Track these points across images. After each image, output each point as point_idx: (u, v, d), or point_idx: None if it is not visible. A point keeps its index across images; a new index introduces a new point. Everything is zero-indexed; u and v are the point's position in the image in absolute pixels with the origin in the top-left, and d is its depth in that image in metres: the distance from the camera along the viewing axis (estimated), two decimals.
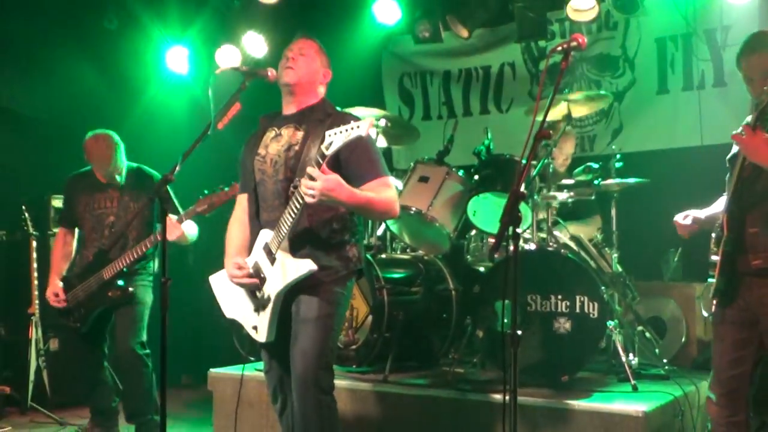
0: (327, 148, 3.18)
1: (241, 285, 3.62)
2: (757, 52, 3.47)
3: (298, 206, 3.35)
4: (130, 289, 4.93)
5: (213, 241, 4.76)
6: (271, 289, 3.52)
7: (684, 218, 3.74)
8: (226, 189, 4.42)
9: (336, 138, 3.17)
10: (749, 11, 5.76)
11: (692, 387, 4.59)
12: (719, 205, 3.73)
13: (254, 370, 4.96)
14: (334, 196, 3.24)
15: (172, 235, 4.64)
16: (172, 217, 4.63)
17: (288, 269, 3.45)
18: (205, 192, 4.53)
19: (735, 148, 3.59)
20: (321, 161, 3.23)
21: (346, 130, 3.14)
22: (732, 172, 3.50)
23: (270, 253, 3.52)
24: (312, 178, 3.22)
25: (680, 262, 6.07)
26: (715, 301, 3.52)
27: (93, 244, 5.05)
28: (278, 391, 3.75)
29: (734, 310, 3.48)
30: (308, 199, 3.25)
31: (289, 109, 3.71)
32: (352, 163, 3.50)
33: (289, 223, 3.41)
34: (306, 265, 3.43)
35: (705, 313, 3.62)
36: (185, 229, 4.77)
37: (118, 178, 5.11)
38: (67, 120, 6.71)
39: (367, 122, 3.13)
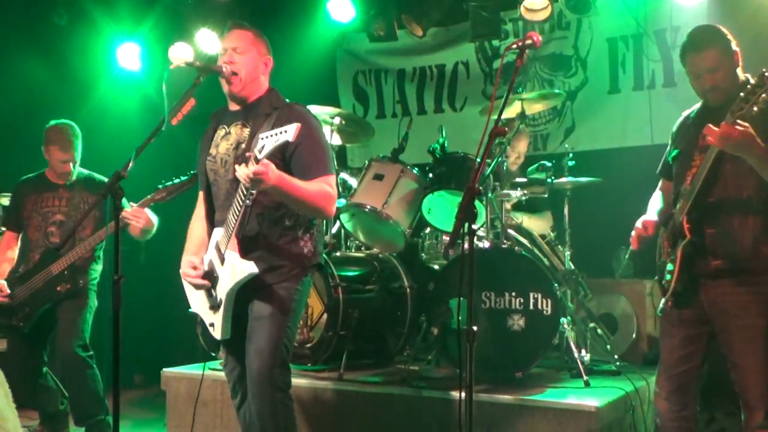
0: (260, 152, 3.16)
1: (193, 285, 3.59)
2: (704, 49, 3.41)
3: (240, 202, 3.34)
4: (81, 282, 4.87)
5: (165, 240, 4.71)
6: (222, 289, 3.49)
7: (644, 229, 3.61)
8: (184, 179, 4.39)
9: (267, 142, 3.15)
10: (698, 12, 5.85)
11: (643, 382, 4.66)
12: (656, 204, 3.74)
13: (208, 369, 4.92)
14: (263, 178, 3.18)
15: (139, 223, 4.57)
16: (132, 205, 4.55)
17: (235, 270, 3.43)
18: (164, 182, 4.47)
19: (676, 148, 3.62)
20: (255, 165, 3.18)
21: (276, 134, 3.13)
22: (682, 174, 3.49)
23: (220, 252, 3.50)
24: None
25: (631, 259, 6.15)
26: (670, 303, 3.53)
27: (38, 244, 4.97)
28: (238, 387, 3.72)
29: (688, 310, 3.51)
30: (243, 183, 3.22)
31: (234, 105, 3.70)
32: (296, 157, 3.49)
33: (234, 221, 3.39)
34: (247, 268, 3.41)
35: (660, 313, 3.65)
36: (150, 215, 4.68)
37: (70, 172, 5.03)
38: (15, 116, 6.58)
39: (294, 127, 3.12)
